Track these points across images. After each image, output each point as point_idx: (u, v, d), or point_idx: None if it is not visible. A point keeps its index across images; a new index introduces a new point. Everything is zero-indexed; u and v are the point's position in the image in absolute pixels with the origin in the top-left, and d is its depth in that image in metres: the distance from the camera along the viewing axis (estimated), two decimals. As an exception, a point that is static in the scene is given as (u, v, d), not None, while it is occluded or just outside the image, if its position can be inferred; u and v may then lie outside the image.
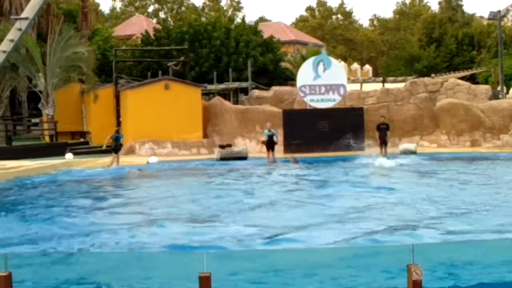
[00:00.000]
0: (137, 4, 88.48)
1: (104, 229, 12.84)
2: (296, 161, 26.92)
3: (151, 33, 47.88)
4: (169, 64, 40.88)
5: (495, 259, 8.32)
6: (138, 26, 63.02)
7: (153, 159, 28.13)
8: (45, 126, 37.00)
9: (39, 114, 40.01)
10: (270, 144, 27.93)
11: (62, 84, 36.17)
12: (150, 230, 12.51)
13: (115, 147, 27.25)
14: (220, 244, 10.95)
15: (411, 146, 30.44)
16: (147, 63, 44.60)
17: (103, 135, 34.53)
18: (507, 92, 44.82)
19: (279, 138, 29.12)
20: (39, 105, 36.56)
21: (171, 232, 12.23)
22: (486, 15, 56.28)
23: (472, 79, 51.84)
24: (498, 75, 46.30)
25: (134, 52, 46.97)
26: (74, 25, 41.81)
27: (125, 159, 29.09)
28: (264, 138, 28.43)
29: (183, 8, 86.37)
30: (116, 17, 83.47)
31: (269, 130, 28.02)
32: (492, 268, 8.18)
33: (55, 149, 31.74)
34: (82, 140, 36.64)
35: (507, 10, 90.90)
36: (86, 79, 35.85)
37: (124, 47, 48.62)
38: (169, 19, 79.29)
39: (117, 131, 28.21)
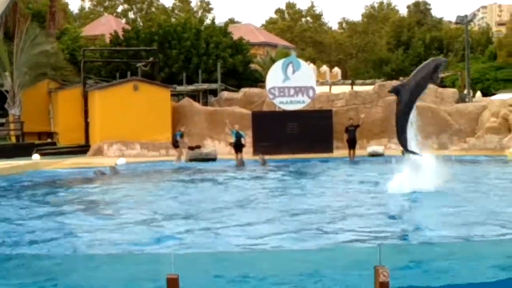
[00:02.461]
0: (106, 4, 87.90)
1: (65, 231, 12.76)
2: (264, 162, 26.93)
3: (120, 33, 47.54)
4: (138, 64, 40.65)
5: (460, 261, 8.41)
6: (107, 26, 62.50)
7: (121, 161, 27.92)
8: (11, 126, 36.53)
9: (5, 114, 39.47)
10: (238, 146, 27.98)
11: (29, 84, 35.74)
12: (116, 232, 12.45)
13: (174, 143, 29.20)
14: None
15: (379, 148, 30.66)
16: (115, 63, 44.29)
17: (71, 135, 34.41)
18: (474, 96, 45.42)
19: (247, 139, 29.18)
20: (5, 105, 36.08)
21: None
22: (453, 19, 56.95)
23: (439, 82, 52.38)
24: (465, 79, 46.88)
25: (102, 52, 46.61)
26: (42, 24, 41.38)
27: (92, 160, 28.93)
28: (232, 139, 28.45)
29: (152, 9, 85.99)
30: (85, 16, 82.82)
31: (237, 132, 28.02)
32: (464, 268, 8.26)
33: (21, 150, 31.37)
34: (49, 140, 36.22)
35: (474, 15, 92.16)
36: (61, 71, 35.53)
37: (92, 47, 48.22)
38: (139, 19, 78.86)
39: (179, 130, 29.86)
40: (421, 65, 18.54)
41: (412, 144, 17.97)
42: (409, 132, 17.98)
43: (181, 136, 29.32)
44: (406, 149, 18.06)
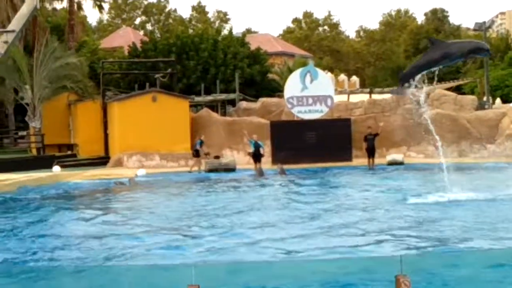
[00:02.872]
0: (124, 16, 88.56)
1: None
2: (283, 171, 26.90)
3: (138, 45, 47.85)
4: (156, 76, 40.83)
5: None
6: (125, 38, 62.98)
7: (141, 172, 28.05)
8: (32, 138, 36.82)
9: (26, 127, 39.81)
10: (257, 156, 28.03)
11: (49, 96, 36.03)
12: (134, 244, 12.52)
13: (194, 152, 29.51)
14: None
15: (398, 156, 30.54)
16: (134, 75, 44.53)
17: (91, 147, 34.59)
18: (493, 103, 45.14)
19: (266, 149, 29.23)
20: (26, 118, 36.38)
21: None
22: (472, 26, 56.71)
23: (458, 89, 52.13)
24: (484, 86, 46.62)
25: (121, 64, 46.91)
26: (61, 37, 41.75)
27: (112, 172, 29.09)
28: (251, 149, 28.49)
29: (170, 20, 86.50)
30: (103, 29, 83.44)
31: (256, 142, 28.09)
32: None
33: (42, 162, 31.58)
34: (69, 152, 36.46)
35: (492, 21, 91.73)
36: (83, 87, 35.77)
37: (111, 59, 48.55)
38: (156, 31, 79.32)
39: (199, 138, 30.16)
40: (465, 40, 18.58)
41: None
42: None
43: (201, 144, 29.46)
44: (402, 83, 18.22)
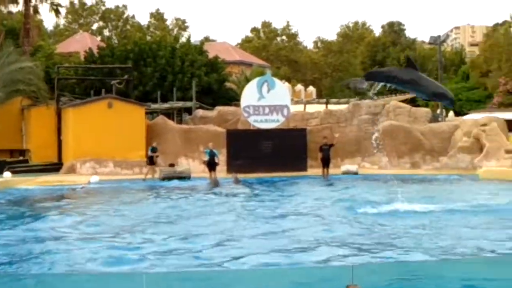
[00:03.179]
0: (81, 21, 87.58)
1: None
2: (237, 181, 26.93)
3: (95, 50, 47.38)
4: (113, 82, 40.44)
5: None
6: (81, 43, 62.26)
7: (95, 178, 27.74)
8: (-17, 143, 36.10)
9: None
10: (211, 165, 27.96)
11: (4, 100, 35.36)
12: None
13: (150, 160, 29.08)
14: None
15: (352, 167, 30.84)
16: (90, 81, 44.05)
17: (43, 153, 34.07)
18: (446, 115, 45.88)
19: (221, 158, 29.19)
20: (-23, 122, 35.67)
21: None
22: (427, 40, 57.64)
23: (413, 101, 52.84)
24: (438, 99, 47.29)
25: (77, 70, 46.36)
26: (16, 41, 41.06)
27: (65, 178, 28.71)
28: (205, 158, 28.42)
29: (128, 26, 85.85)
30: (60, 33, 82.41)
31: (211, 150, 28.03)
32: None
33: (-7, 167, 30.98)
34: (21, 158, 35.84)
35: (447, 35, 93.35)
36: (37, 91, 35.15)
37: (67, 65, 47.93)
38: (114, 37, 78.68)
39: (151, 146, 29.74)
40: (436, 83, 18.58)
41: None
42: None
43: (153, 151, 29.18)
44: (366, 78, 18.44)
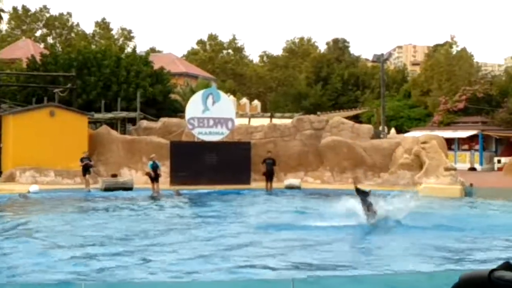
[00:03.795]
0: (24, 27, 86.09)
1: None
2: (178, 194, 26.91)
3: (38, 58, 46.62)
4: (56, 90, 39.88)
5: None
6: (24, 50, 61.21)
7: (34, 188, 27.19)
8: None
9: None
10: (154, 176, 27.76)
11: None
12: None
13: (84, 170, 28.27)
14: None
15: (295, 181, 31.04)
16: (32, 88, 43.31)
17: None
18: (388, 132, 46.65)
19: (165, 170, 29.03)
20: None
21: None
22: (370, 57, 58.66)
23: (356, 118, 53.63)
24: (380, 115, 48.13)
25: (19, 77, 45.53)
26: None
27: (3, 187, 28.10)
28: (148, 169, 28.22)
29: (72, 34, 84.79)
30: (2, 39, 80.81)
31: (153, 162, 27.82)
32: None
33: None
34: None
35: (390, 54, 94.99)
36: None
37: (8, 71, 47.03)
38: (58, 44, 77.56)
39: (85, 153, 28.86)
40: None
41: None
42: None
43: (82, 160, 28.60)
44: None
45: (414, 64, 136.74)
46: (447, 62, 58.06)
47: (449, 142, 43.43)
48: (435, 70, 58.98)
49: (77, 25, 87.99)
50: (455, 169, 31.79)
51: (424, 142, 32.60)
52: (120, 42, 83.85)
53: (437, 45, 74.98)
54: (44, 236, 15.56)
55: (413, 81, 65.75)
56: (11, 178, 30.57)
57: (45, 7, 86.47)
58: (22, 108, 35.70)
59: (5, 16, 56.06)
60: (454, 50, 61.05)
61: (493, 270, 2.00)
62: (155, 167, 27.75)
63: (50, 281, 10.35)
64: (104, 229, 16.98)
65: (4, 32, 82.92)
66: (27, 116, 32.25)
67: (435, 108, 54.56)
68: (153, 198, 26.03)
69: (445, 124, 51.86)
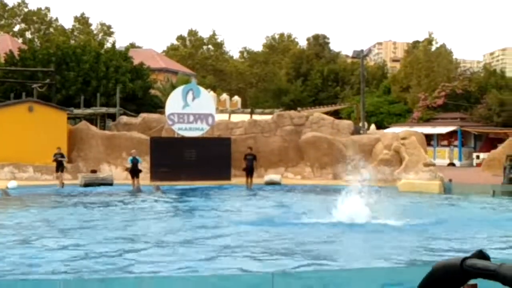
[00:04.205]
0: (2, 22, 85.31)
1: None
2: (158, 188, 26.87)
3: (16, 53, 46.24)
4: (34, 86, 39.59)
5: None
6: (2, 45, 60.61)
7: (13, 184, 27.01)
8: None
9: None
10: (134, 172, 27.66)
11: None
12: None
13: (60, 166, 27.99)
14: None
15: (276, 177, 31.09)
16: (10, 83, 42.95)
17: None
18: (368, 128, 46.84)
19: (144, 165, 28.94)
20: None
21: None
22: (350, 54, 58.85)
23: (336, 114, 53.80)
24: (360, 111, 48.31)
25: (-3, 72, 45.15)
26: None
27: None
28: (128, 165, 28.11)
29: (51, 30, 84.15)
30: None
31: (134, 157, 27.73)
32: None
33: None
34: None
35: (370, 50, 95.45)
36: None
37: (-14, 66, 46.60)
38: (36, 39, 76.98)
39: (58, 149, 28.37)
40: None
41: None
42: None
43: (55, 156, 28.26)
44: None
45: (394, 60, 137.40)
46: (425, 59, 58.41)
47: (429, 138, 43.71)
48: (414, 66, 59.32)
49: (56, 20, 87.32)
50: (434, 165, 32.05)
51: (403, 138, 32.78)
52: (100, 37, 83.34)
53: (416, 42, 75.42)
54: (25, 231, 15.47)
55: (393, 77, 66.10)
56: (-12, 174, 30.32)
57: (23, 1, 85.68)
58: (0, 103, 35.39)
59: (-17, 11, 55.51)
60: (434, 47, 61.41)
61: (465, 258, 2.02)
62: (135, 163, 27.66)
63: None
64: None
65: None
66: (5, 112, 31.97)
67: (415, 104, 54.90)
68: (133, 193, 25.97)
69: (425, 120, 52.20)
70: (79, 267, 11.40)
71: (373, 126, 48.95)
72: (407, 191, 27.17)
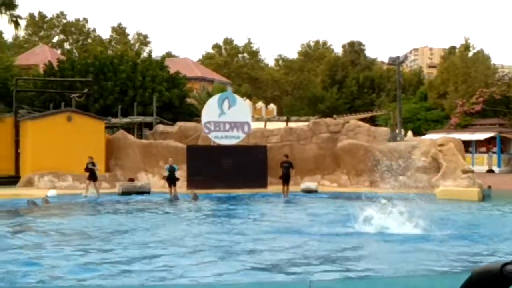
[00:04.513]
0: (41, 33, 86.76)
1: None
2: (195, 197, 26.88)
3: (55, 63, 46.97)
4: (73, 95, 40.11)
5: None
6: (41, 56, 61.67)
7: (52, 192, 27.39)
8: None
9: None
10: (171, 180, 27.85)
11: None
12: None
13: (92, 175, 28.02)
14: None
15: (312, 185, 30.99)
16: (49, 94, 43.59)
17: (0, 166, 33.51)
18: (405, 135, 46.45)
19: (180, 173, 29.09)
20: None
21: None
22: (386, 60, 58.50)
23: (372, 121, 53.49)
24: (396, 118, 47.94)
25: (36, 83, 45.86)
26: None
27: (22, 192, 28.30)
28: (165, 173, 28.30)
29: (89, 40, 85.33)
30: (19, 46, 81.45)
31: (170, 166, 27.94)
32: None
33: None
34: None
35: (406, 56, 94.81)
36: None
37: (26, 77, 47.38)
38: (74, 50, 78.09)
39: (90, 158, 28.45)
40: None
41: None
42: None
43: (87, 165, 28.35)
44: None
45: (430, 66, 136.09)
46: (462, 65, 57.76)
47: (467, 144, 43.18)
48: (451, 72, 58.69)
49: (94, 30, 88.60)
50: (472, 172, 31.64)
51: (441, 145, 32.46)
52: (136, 47, 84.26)
53: (452, 47, 74.62)
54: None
55: (430, 84, 65.48)
56: (29, 183, 30.79)
57: (61, 13, 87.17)
58: (40, 113, 35.94)
59: (22, 23, 56.40)
60: (471, 52, 60.72)
61: (505, 264, 2.01)
62: (172, 170, 27.85)
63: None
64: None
65: (21, 38, 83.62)
66: (44, 122, 32.48)
67: (452, 111, 54.28)
68: (171, 201, 26.12)
69: (462, 127, 51.56)
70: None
71: (410, 133, 48.51)
72: (445, 199, 26.88)
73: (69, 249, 14.15)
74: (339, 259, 13.37)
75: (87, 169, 28.30)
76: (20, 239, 15.86)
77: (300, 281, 9.21)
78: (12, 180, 32.08)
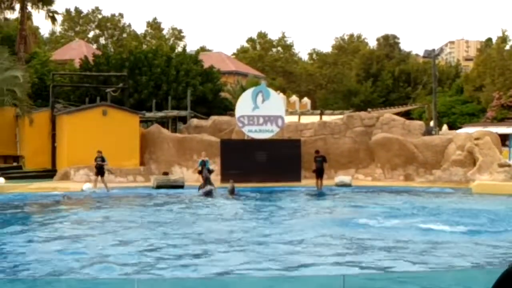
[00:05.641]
0: (77, 29, 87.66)
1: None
2: (232, 190, 26.56)
3: (90, 58, 47.45)
4: (108, 90, 40.51)
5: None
6: (77, 51, 62.34)
7: (87, 186, 27.69)
8: (-24, 149, 35.98)
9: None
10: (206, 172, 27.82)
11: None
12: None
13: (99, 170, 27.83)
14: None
15: (346, 178, 30.86)
16: (85, 88, 44.09)
17: (37, 159, 34.01)
18: (440, 129, 46.00)
19: (213, 167, 29.12)
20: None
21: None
22: (421, 53, 57.93)
23: (407, 114, 52.98)
24: (431, 112, 47.50)
25: (72, 77, 46.43)
26: (12, 48, 41.05)
27: (58, 185, 28.67)
28: (198, 167, 28.32)
29: (124, 35, 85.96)
30: (56, 41, 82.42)
31: (202, 160, 27.95)
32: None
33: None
34: (15, 164, 35.77)
35: (441, 49, 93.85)
36: (19, 104, 34.91)
37: (62, 72, 47.96)
38: (110, 45, 78.72)
39: (99, 152, 28.26)
40: None
41: None
42: None
43: (96, 160, 28.29)
44: None
45: (467, 59, 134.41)
46: (499, 57, 56.93)
47: (504, 138, 42.57)
48: (487, 65, 57.87)
49: (129, 25, 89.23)
50: (509, 166, 31.19)
51: (477, 139, 32.08)
52: (171, 41, 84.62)
53: (489, 40, 73.57)
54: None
55: (465, 77, 64.66)
56: (65, 177, 31.17)
57: (97, 8, 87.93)
58: (76, 108, 36.35)
59: (59, 18, 57.03)
60: (508, 45, 59.83)
61: None
62: (205, 165, 27.86)
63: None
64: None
65: (57, 33, 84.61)
66: (80, 116, 32.84)
67: (489, 104, 53.55)
68: (206, 195, 26.06)
69: (499, 120, 50.85)
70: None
71: (445, 127, 48.00)
72: (481, 193, 26.58)
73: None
74: (382, 250, 13.31)
75: (97, 165, 28.17)
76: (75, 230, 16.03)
77: (334, 276, 9.19)
78: (49, 174, 32.52)
